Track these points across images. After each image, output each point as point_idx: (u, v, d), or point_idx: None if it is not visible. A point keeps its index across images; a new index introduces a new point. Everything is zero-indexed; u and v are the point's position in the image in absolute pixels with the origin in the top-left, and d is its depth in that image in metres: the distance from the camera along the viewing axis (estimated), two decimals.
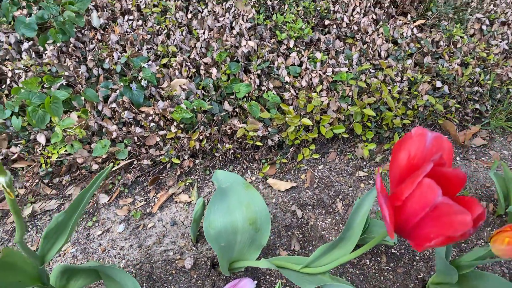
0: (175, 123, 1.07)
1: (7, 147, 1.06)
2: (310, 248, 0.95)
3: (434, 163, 0.46)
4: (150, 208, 1.01)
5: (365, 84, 1.18)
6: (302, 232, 0.98)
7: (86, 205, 0.63)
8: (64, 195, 1.03)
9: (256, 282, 0.87)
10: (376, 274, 0.90)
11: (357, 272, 0.90)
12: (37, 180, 1.02)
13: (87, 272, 0.77)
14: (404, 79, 1.26)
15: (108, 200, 1.02)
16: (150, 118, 1.08)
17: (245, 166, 1.12)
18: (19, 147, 1.04)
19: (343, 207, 1.04)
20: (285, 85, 1.22)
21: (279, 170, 1.12)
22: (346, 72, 1.22)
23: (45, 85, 1.12)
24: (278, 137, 1.11)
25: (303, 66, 1.25)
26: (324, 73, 1.23)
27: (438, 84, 1.28)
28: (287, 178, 1.10)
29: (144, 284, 0.86)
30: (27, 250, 0.59)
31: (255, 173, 1.11)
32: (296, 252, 0.94)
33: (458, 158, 1.21)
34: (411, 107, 1.21)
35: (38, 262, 0.62)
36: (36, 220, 0.98)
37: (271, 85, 1.18)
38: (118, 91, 1.12)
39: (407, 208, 0.45)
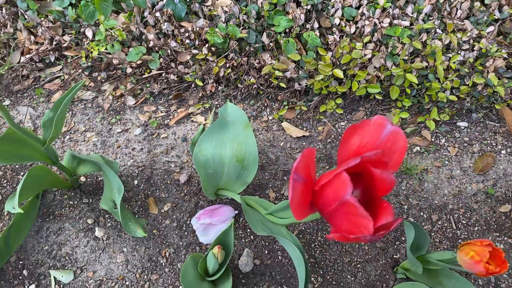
0: (208, 45, 1.08)
1: (61, 34, 1.17)
2: None
3: (368, 159, 0.43)
4: (168, 120, 1.09)
5: (420, 45, 1.05)
6: None
7: (66, 108, 0.71)
8: (99, 89, 1.14)
9: (237, 212, 0.93)
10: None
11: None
12: (80, 71, 1.13)
13: (92, 162, 0.89)
14: (475, 48, 1.09)
15: (134, 104, 1.11)
16: (187, 34, 1.09)
17: (266, 104, 1.12)
18: (70, 36, 1.14)
19: None
20: (334, 27, 1.13)
21: (298, 117, 1.10)
22: (406, 27, 1.09)
23: None
24: (305, 83, 1.07)
25: (360, 10, 1.13)
26: (380, 22, 1.11)
27: None
28: (304, 126, 1.09)
29: (142, 185, 0.97)
30: (28, 133, 0.69)
31: (274, 113, 1.10)
32: (284, 197, 0.97)
33: (504, 152, 1.07)
34: (467, 83, 1.06)
35: (41, 143, 0.73)
36: (72, 106, 1.11)
37: (316, 25, 1.10)
38: (165, 0, 1.13)
39: (324, 195, 0.44)
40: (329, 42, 1.09)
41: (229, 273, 0.77)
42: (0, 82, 1.15)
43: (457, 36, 1.08)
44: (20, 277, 0.83)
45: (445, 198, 0.98)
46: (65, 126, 1.07)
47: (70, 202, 0.94)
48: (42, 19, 1.15)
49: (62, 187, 0.95)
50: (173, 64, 1.10)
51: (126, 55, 1.12)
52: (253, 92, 1.11)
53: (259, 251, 0.88)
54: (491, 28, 1.12)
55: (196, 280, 0.75)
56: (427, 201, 0.98)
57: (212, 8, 1.13)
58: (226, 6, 1.12)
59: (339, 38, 1.10)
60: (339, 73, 1.02)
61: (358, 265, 0.87)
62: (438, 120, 1.10)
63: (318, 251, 0.89)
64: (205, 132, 0.84)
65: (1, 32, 1.16)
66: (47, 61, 1.17)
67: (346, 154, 0.49)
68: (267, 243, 0.90)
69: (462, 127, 1.11)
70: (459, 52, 1.08)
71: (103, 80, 1.14)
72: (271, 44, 1.10)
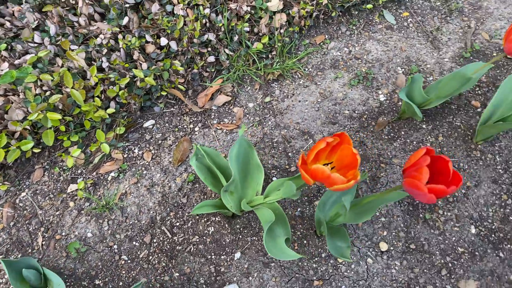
0: None
1: None
2: None
3: None
4: None
5: (50, 76, 0.93)
6: None
7: None
8: None
9: None
10: None
11: None
12: None
13: None
14: (120, 47, 1.02)
15: None
16: None
17: None
18: None
19: (44, 242, 0.88)
20: None
21: None
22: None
23: None
24: None
25: None
26: None
27: (163, 41, 1.06)
28: None
29: None
30: None
31: None
32: None
33: (196, 128, 1.05)
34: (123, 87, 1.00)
35: None
36: None
37: None
38: None
39: None
40: None
41: None
42: None
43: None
44: None
45: (152, 212, 0.93)
46: None
47: None
48: None
49: None
50: None
51: None
52: None
53: None
54: (126, 20, 1.06)
55: None
56: (134, 228, 0.91)
57: None
58: None
59: None
60: None
61: None
62: (122, 134, 1.03)
63: None
64: None
65: None
66: None
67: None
68: None
69: (150, 126, 1.06)
70: (95, 63, 1.00)
71: None
72: None
